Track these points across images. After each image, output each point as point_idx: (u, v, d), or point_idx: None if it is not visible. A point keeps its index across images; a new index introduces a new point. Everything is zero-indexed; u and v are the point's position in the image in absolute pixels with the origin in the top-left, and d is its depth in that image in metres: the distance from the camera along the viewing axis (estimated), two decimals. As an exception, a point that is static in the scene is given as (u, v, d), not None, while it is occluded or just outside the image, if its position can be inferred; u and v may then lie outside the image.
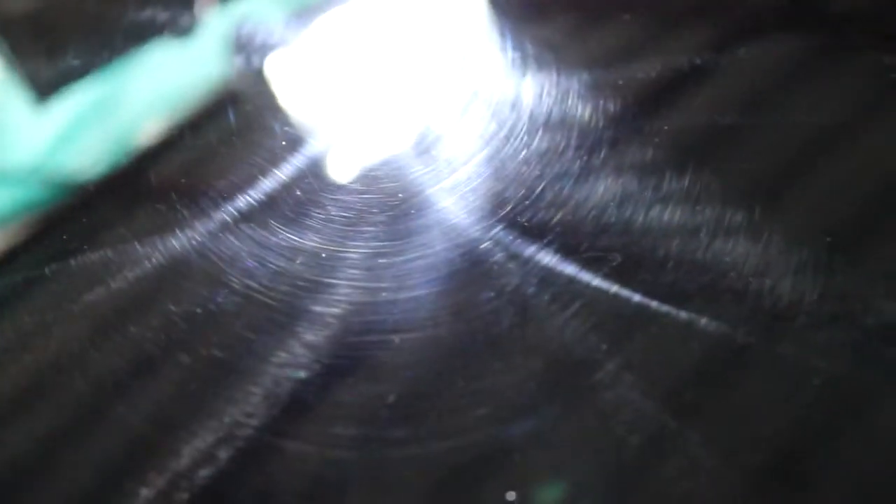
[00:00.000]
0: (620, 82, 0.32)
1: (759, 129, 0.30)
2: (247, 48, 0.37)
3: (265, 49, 0.37)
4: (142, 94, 0.39)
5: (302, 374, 0.23)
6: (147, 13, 0.39)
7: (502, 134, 0.30)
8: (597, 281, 0.24)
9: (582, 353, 0.22)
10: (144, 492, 0.21)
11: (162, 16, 0.39)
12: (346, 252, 0.27)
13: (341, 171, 0.31)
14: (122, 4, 0.39)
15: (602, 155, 0.28)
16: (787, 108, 0.30)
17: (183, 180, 0.33)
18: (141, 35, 0.39)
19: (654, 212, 0.26)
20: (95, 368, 0.25)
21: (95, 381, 0.25)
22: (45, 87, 0.39)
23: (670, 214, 0.26)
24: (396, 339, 0.24)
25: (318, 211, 0.29)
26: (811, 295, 0.22)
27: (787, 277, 0.23)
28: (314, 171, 0.31)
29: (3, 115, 0.39)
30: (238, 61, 0.37)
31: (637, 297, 0.23)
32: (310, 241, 0.27)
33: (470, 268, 0.25)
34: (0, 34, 0.40)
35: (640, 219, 0.26)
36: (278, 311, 0.25)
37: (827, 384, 0.21)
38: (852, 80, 0.32)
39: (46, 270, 0.30)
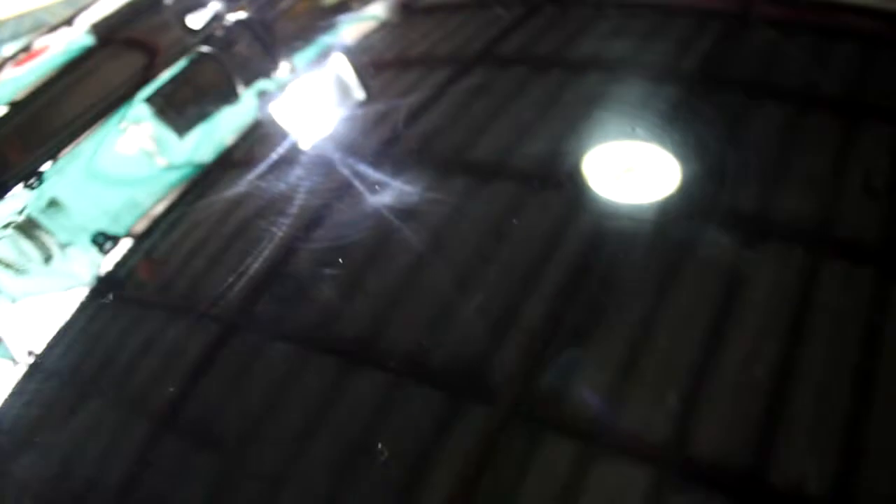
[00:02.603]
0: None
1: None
2: (263, 101, 0.90)
3: (271, 98, 0.90)
4: (223, 126, 0.92)
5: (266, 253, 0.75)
6: (219, 92, 0.93)
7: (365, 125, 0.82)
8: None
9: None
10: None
11: (228, 92, 0.92)
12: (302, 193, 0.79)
13: (308, 158, 0.83)
14: (214, 91, 0.93)
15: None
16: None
17: (245, 160, 0.86)
18: (219, 103, 0.92)
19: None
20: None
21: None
22: (182, 130, 0.93)
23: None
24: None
25: (285, 176, 0.81)
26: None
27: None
28: (294, 155, 0.83)
29: (165, 144, 0.93)
30: (260, 108, 0.91)
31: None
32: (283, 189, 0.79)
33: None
34: (161, 111, 0.94)
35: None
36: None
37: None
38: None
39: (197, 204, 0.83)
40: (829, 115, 0.88)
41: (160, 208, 0.82)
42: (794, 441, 0.56)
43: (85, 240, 0.81)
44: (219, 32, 0.91)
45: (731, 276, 0.70)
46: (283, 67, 0.89)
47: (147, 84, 0.89)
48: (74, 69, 0.99)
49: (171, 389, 0.58)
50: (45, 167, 0.85)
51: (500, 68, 0.87)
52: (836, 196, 0.78)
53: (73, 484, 0.56)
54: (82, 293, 0.72)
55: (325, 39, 0.94)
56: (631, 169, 0.77)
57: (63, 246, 0.82)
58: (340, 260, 0.64)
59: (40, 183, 0.82)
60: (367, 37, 0.98)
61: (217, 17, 0.93)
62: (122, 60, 0.98)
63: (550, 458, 0.55)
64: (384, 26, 1.03)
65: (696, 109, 0.88)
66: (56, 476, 0.57)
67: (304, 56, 0.93)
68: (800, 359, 0.62)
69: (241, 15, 0.88)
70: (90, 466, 0.56)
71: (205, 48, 0.88)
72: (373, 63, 0.88)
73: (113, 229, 0.81)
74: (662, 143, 0.81)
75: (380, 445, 0.54)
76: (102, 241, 0.79)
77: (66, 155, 0.88)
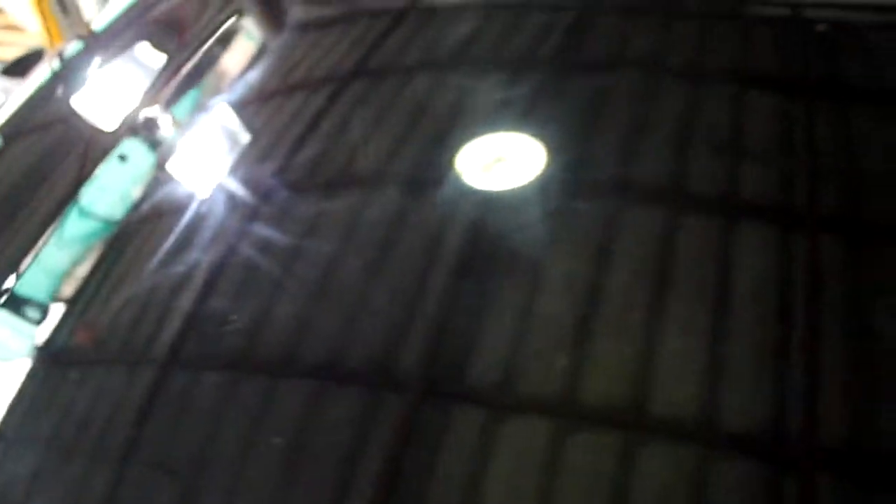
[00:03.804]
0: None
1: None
2: (158, 154, 0.97)
3: (164, 151, 0.97)
4: (124, 182, 0.98)
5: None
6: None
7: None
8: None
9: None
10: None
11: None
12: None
13: (209, 203, 0.90)
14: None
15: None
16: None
17: (151, 214, 0.92)
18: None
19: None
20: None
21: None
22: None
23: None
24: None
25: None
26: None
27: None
28: (196, 203, 0.90)
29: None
30: (156, 162, 0.97)
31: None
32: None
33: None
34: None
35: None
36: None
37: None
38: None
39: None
40: (675, 83, 0.99)
41: (83, 270, 0.88)
42: (667, 374, 0.67)
43: (6, 310, 0.86)
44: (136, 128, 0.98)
45: (600, 240, 0.80)
46: (167, 123, 0.96)
47: (83, 184, 0.96)
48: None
49: (128, 432, 0.65)
50: (10, 282, 0.89)
51: (373, 81, 0.95)
52: (686, 155, 0.88)
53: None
54: (24, 363, 0.78)
55: (203, 85, 1.01)
56: (501, 159, 0.86)
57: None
58: (250, 293, 0.72)
59: (14, 299, 0.87)
60: (245, 68, 1.05)
61: (132, 114, 1.00)
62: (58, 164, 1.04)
63: (462, 426, 0.65)
64: (262, 53, 1.11)
65: (554, 94, 0.97)
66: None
67: (185, 106, 1.00)
68: (667, 302, 0.72)
69: (152, 110, 0.95)
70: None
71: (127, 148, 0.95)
72: (255, 96, 0.96)
73: (36, 296, 0.87)
74: (526, 130, 0.90)
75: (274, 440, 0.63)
76: (27, 309, 0.85)
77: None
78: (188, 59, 1.09)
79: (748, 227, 0.82)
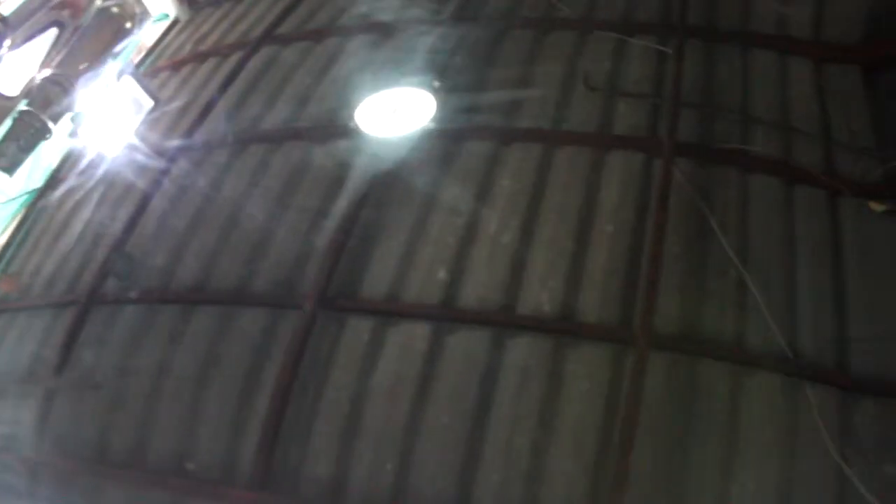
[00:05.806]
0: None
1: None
2: (74, 126, 1.03)
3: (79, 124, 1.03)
4: (46, 154, 1.04)
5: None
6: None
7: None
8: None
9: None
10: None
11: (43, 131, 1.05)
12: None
13: (121, 162, 0.97)
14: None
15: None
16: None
17: (68, 177, 0.99)
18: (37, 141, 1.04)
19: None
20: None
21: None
22: (10, 170, 1.05)
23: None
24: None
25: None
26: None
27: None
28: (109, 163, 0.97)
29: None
30: (72, 133, 1.03)
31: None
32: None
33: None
34: None
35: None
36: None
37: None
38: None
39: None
40: (564, 34, 1.08)
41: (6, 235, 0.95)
42: (531, 282, 0.76)
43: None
44: (33, 91, 1.03)
45: (482, 174, 0.89)
46: (83, 98, 1.02)
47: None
48: None
49: (56, 359, 0.73)
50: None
51: (281, 46, 1.02)
52: (566, 97, 0.98)
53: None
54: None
55: (115, 62, 1.08)
56: (396, 110, 0.95)
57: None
58: (163, 236, 0.79)
59: None
60: (160, 42, 1.12)
61: (30, 80, 1.05)
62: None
63: (354, 332, 0.73)
64: (176, 26, 1.17)
65: (448, 51, 1.06)
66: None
67: (99, 81, 1.06)
68: (537, 223, 0.82)
69: (48, 72, 1.00)
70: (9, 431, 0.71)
71: (24, 107, 0.99)
72: (168, 65, 1.03)
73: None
74: (422, 84, 0.99)
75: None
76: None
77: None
78: (76, 31, 1.15)
79: (616, 156, 0.92)
